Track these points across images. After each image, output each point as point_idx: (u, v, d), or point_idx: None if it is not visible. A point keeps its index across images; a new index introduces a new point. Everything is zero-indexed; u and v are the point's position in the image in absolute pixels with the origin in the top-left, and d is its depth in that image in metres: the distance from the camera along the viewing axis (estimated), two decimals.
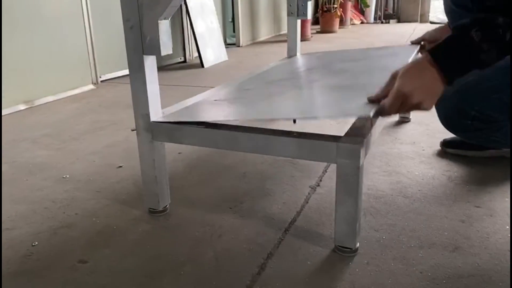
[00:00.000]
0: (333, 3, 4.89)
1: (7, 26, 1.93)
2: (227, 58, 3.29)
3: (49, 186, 1.17)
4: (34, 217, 1.01)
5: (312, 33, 4.67)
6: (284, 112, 0.85)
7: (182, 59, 3.30)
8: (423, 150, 1.33)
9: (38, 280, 0.78)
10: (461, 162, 1.23)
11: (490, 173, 1.15)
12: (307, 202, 1.03)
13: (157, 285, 0.76)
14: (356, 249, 0.82)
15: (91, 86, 2.44)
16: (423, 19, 5.81)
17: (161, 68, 2.92)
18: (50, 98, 2.17)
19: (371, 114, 0.75)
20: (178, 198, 1.06)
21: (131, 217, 0.99)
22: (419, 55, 1.30)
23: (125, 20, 0.85)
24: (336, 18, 4.96)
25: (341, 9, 5.04)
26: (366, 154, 0.79)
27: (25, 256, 0.86)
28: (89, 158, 1.37)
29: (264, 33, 4.66)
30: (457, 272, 0.76)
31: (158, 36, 0.82)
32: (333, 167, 1.21)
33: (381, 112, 0.79)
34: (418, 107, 0.76)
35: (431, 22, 5.64)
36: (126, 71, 2.64)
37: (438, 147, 1.33)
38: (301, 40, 1.81)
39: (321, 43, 4.13)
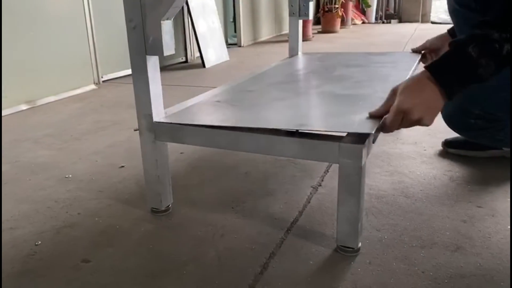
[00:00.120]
0: (335, 3, 4.89)
1: (9, 26, 1.94)
2: (228, 58, 3.29)
3: (52, 186, 1.18)
4: (37, 217, 1.01)
5: (313, 33, 4.67)
6: (285, 122, 0.86)
7: (184, 59, 3.31)
8: (425, 150, 1.33)
9: (41, 279, 0.79)
10: (462, 162, 1.23)
11: (491, 173, 1.15)
12: (309, 202, 1.04)
13: (160, 285, 0.76)
14: (358, 249, 0.82)
15: (92, 86, 2.44)
16: (425, 19, 5.81)
17: (162, 68, 2.92)
18: (52, 98, 2.18)
19: (373, 131, 0.76)
20: (180, 198, 1.07)
21: (133, 216, 1.00)
22: (421, 64, 1.31)
23: (128, 20, 0.85)
24: (337, 18, 4.95)
25: (342, 9, 5.03)
26: (368, 154, 0.79)
27: (28, 255, 0.86)
28: (91, 158, 1.38)
29: (266, 33, 4.66)
30: (459, 272, 0.77)
31: (161, 36, 0.82)
32: (334, 167, 1.21)
33: (383, 129, 0.81)
34: (419, 123, 0.78)
35: (433, 22, 5.64)
36: (127, 71, 2.65)
37: (439, 147, 1.33)
38: (303, 40, 1.82)
39: (323, 43, 4.13)
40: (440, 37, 1.34)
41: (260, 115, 0.91)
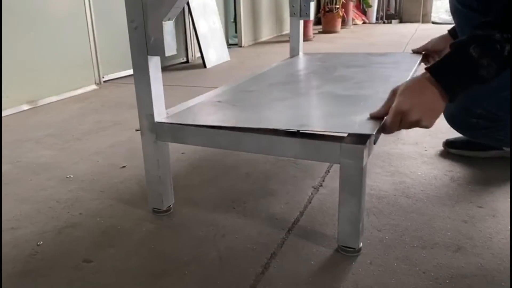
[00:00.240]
0: (335, 3, 4.89)
1: (10, 26, 1.94)
2: (229, 59, 3.29)
3: (53, 186, 1.18)
4: (39, 217, 1.01)
5: (314, 33, 4.67)
6: (286, 122, 0.86)
7: (185, 60, 3.31)
8: (426, 150, 1.33)
9: (43, 280, 0.79)
10: (463, 162, 1.23)
11: (492, 174, 1.16)
12: (310, 202, 1.04)
13: (161, 285, 0.76)
14: (359, 249, 0.83)
15: (94, 86, 2.44)
16: (425, 19, 5.81)
17: (163, 68, 2.93)
18: (54, 98, 2.18)
19: (374, 132, 0.77)
20: (181, 198, 1.07)
21: (135, 217, 1.00)
22: (422, 65, 1.31)
23: (130, 21, 0.85)
24: (338, 18, 4.95)
25: (343, 10, 5.03)
26: (369, 154, 0.79)
27: (30, 255, 0.86)
28: (92, 158, 1.38)
29: (266, 34, 4.66)
30: (460, 272, 0.77)
31: (163, 37, 0.82)
32: (335, 167, 1.21)
33: (383, 130, 0.81)
34: (418, 124, 0.78)
35: (433, 23, 5.64)
36: (128, 72, 2.66)
37: (440, 147, 1.33)
38: (303, 40, 1.82)
39: (323, 43, 4.13)
40: (442, 38, 1.34)
41: (261, 115, 0.91)
